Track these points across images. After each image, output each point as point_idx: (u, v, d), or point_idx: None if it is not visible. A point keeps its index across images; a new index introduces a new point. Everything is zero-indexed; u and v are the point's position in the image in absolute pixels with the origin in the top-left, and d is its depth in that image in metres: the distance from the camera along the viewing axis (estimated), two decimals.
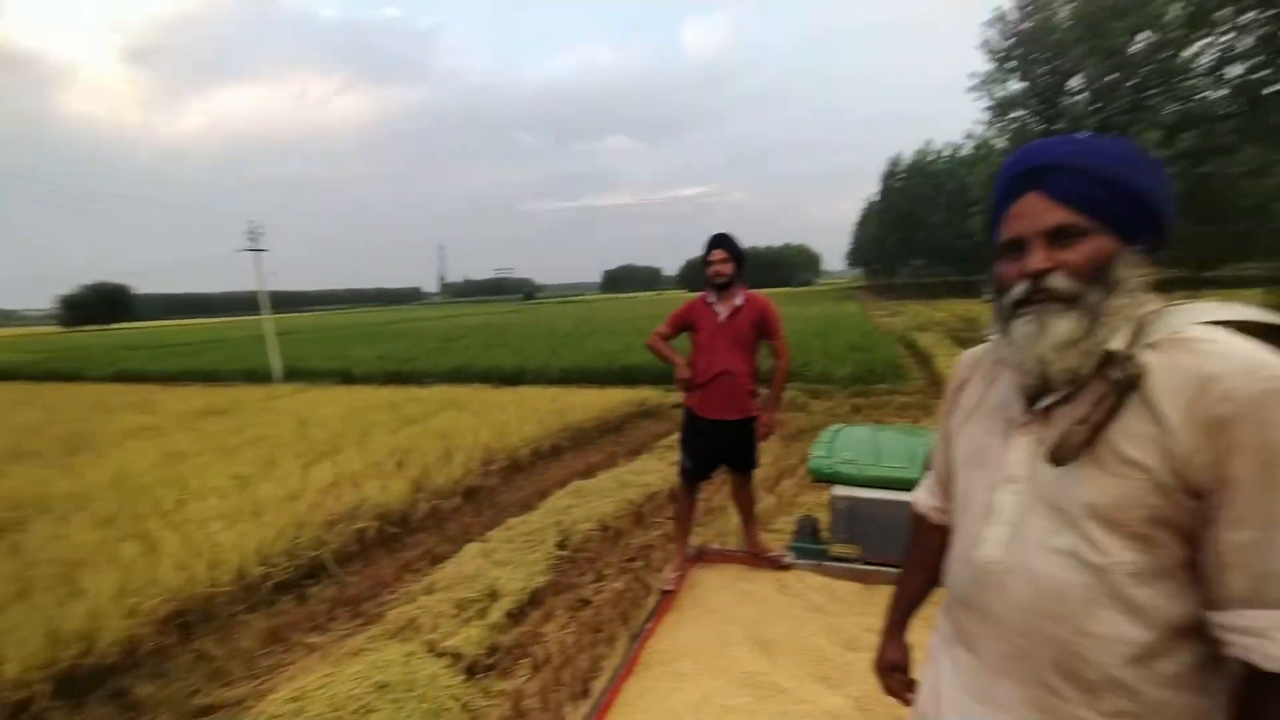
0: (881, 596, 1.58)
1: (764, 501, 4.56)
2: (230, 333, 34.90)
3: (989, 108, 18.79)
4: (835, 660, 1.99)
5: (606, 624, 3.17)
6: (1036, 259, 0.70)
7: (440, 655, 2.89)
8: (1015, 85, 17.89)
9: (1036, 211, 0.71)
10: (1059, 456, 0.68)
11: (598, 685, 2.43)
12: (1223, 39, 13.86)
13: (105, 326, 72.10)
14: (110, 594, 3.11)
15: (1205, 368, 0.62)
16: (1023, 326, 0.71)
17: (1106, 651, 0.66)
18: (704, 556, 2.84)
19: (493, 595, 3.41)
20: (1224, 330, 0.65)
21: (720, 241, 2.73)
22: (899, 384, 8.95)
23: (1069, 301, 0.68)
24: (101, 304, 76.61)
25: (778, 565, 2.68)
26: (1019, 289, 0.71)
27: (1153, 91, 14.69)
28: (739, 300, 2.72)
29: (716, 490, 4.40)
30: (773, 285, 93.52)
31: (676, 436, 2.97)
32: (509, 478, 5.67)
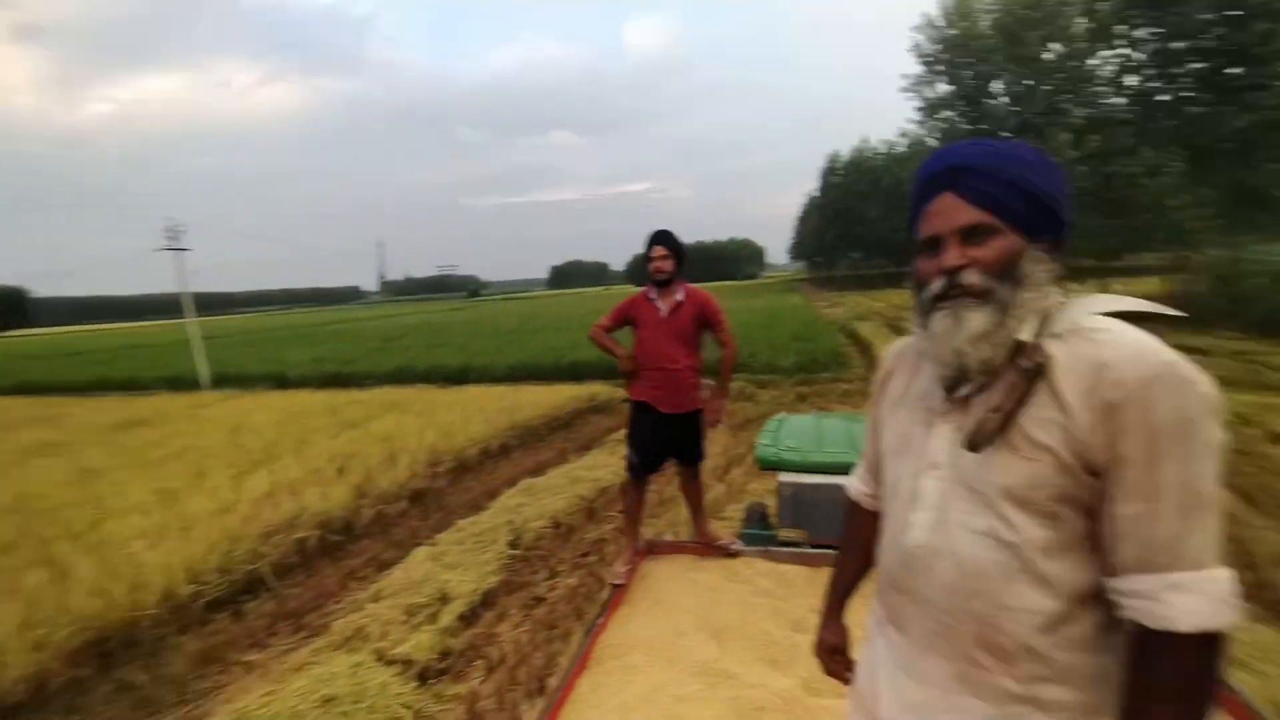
0: (826, 578, 1.63)
1: (714, 490, 4.65)
2: (150, 338, 32.63)
3: (920, 108, 19.75)
4: (783, 643, 2.06)
5: (561, 620, 3.16)
6: (951, 256, 0.74)
7: (390, 663, 2.81)
8: (943, 87, 18.84)
9: (951, 211, 0.75)
10: (975, 443, 0.73)
11: (553, 682, 2.42)
12: (1121, 52, 15.07)
13: None
14: (11, 627, 2.85)
15: (1100, 355, 0.67)
16: (941, 321, 0.75)
17: (1021, 622, 0.71)
18: (654, 549, 2.87)
19: (443, 599, 3.35)
20: (1117, 320, 0.71)
21: (661, 238, 2.75)
22: (841, 372, 9.28)
23: (981, 297, 0.73)
24: None
25: (727, 553, 2.74)
26: (936, 285, 0.76)
27: (1064, 97, 15.78)
28: (680, 296, 2.75)
29: (668, 482, 4.45)
30: (718, 279, 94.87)
31: (626, 432, 3.01)
32: (457, 479, 5.56)
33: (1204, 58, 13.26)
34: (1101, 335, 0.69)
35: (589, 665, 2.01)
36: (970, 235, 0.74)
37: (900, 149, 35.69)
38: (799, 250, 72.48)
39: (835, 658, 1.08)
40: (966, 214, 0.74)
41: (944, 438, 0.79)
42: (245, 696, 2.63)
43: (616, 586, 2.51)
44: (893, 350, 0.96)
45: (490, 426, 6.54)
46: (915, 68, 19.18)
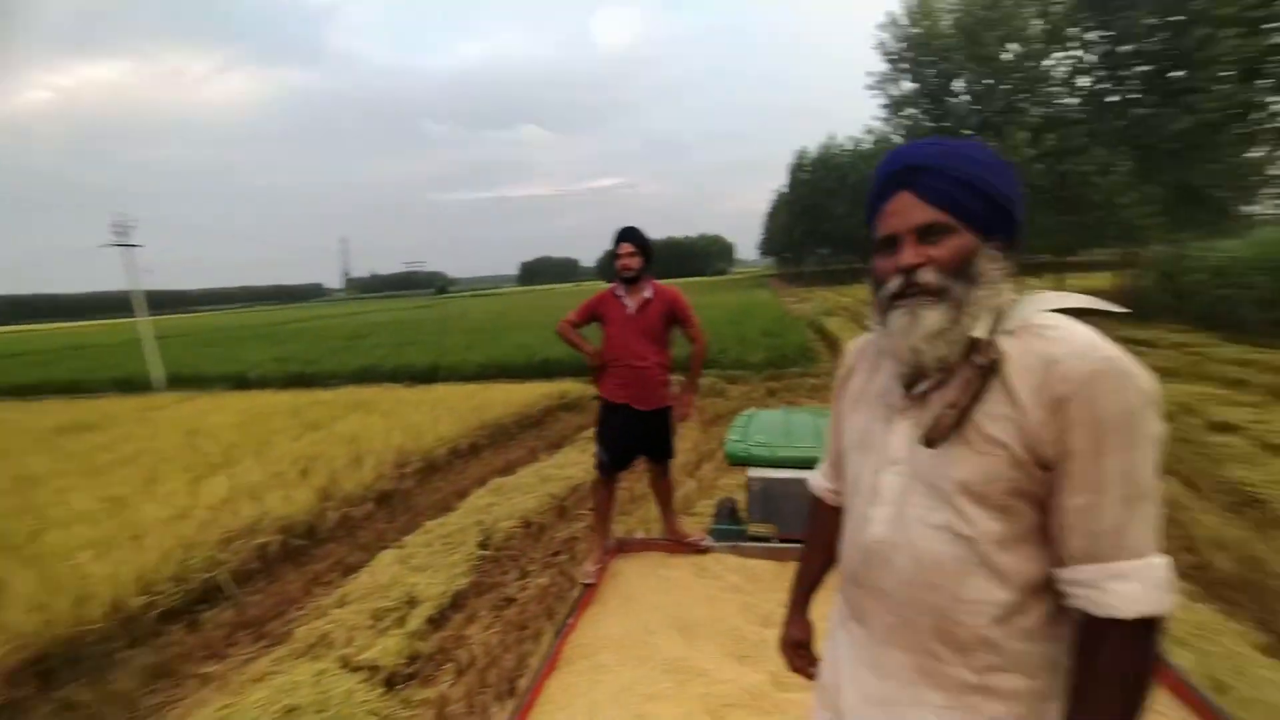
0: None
1: (686, 486, 4.68)
2: (97, 337, 31.20)
3: (885, 105, 20.04)
4: (752, 638, 2.08)
5: (532, 620, 3.14)
6: (908, 255, 0.75)
7: (356, 670, 2.76)
8: (908, 85, 19.17)
9: (908, 210, 0.76)
10: (932, 438, 0.74)
11: (523, 684, 2.40)
12: (1073, 53, 15.62)
13: None
14: None
15: (1049, 351, 0.69)
16: (898, 319, 0.76)
17: (976, 614, 0.73)
18: (624, 547, 2.87)
19: (411, 602, 3.29)
20: (1066, 317, 0.73)
21: (628, 235, 2.73)
22: (810, 367, 9.43)
23: (937, 295, 0.74)
24: None
25: (697, 550, 2.75)
26: (894, 283, 0.77)
27: (1021, 96, 16.26)
28: (647, 293, 2.74)
29: (638, 479, 4.45)
30: (688, 275, 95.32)
31: (595, 430, 3.00)
32: (425, 480, 5.47)
33: (1149, 61, 13.84)
34: (1050, 332, 0.71)
35: (558, 666, 2.00)
36: (926, 234, 0.75)
37: (866, 146, 36.35)
38: (768, 246, 73.28)
39: (800, 653, 1.09)
40: (922, 213, 0.75)
41: (903, 434, 0.79)
42: (201, 710, 2.55)
43: (587, 586, 2.49)
44: (853, 347, 0.97)
45: (460, 425, 6.46)
46: (880, 65, 19.49)
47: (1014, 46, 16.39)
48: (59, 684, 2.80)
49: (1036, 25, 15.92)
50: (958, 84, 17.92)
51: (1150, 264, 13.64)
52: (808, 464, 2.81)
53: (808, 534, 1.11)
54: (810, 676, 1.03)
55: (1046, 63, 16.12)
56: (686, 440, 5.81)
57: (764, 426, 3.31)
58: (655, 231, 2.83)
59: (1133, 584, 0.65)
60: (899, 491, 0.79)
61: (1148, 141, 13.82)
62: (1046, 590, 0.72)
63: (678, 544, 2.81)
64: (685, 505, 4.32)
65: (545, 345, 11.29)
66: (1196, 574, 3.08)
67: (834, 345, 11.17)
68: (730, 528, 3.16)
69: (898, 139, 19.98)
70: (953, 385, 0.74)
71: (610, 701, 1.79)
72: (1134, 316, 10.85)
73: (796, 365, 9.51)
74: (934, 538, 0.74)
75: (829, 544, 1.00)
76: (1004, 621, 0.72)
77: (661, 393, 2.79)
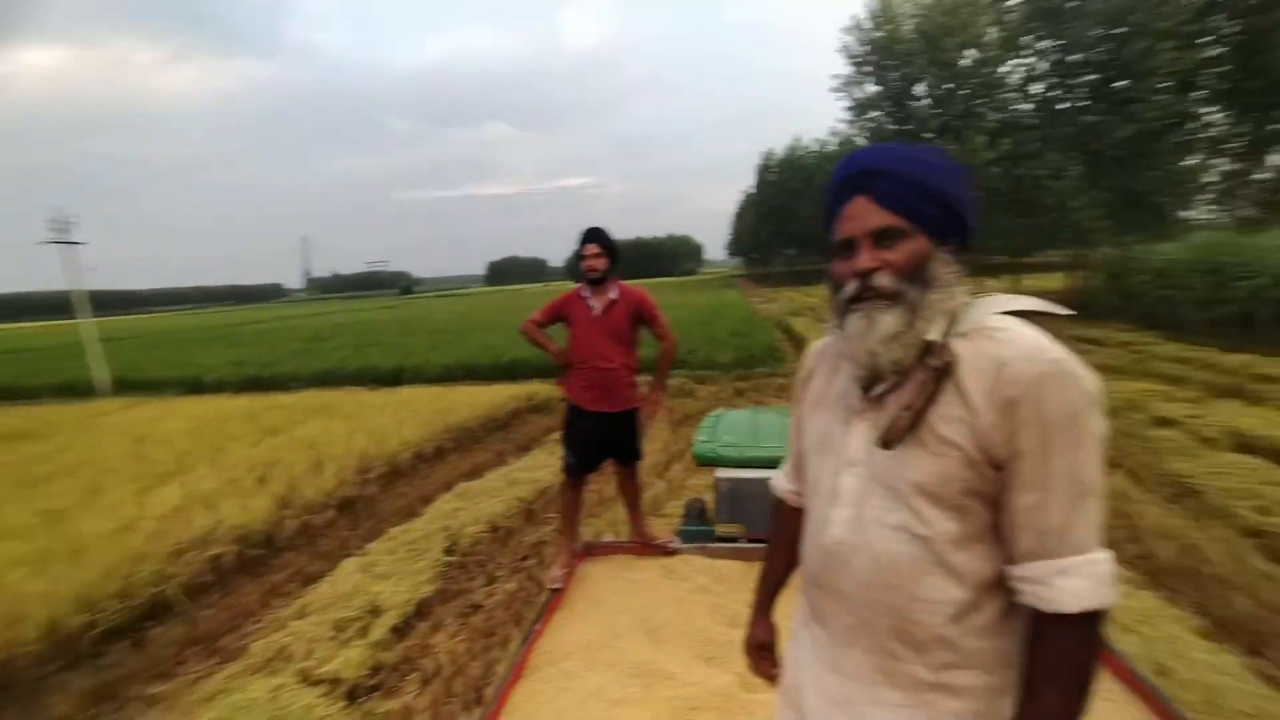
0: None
1: (655, 487, 4.68)
2: (34, 340, 29.59)
3: (849, 108, 20.44)
4: (720, 640, 2.08)
5: (499, 627, 3.10)
6: (864, 259, 0.76)
7: (316, 684, 2.67)
8: (871, 88, 19.60)
9: (864, 214, 0.76)
10: (888, 440, 0.75)
11: (489, 693, 2.36)
12: (1027, 60, 16.25)
13: None
14: None
15: (1000, 354, 0.70)
16: (855, 322, 0.77)
17: (933, 612, 0.74)
18: (592, 550, 2.85)
19: (374, 611, 3.21)
20: (1017, 319, 0.74)
21: (593, 236, 2.71)
22: (777, 367, 9.55)
23: (893, 299, 0.75)
24: None
25: (665, 552, 2.75)
26: (851, 287, 0.77)
27: (979, 101, 16.81)
28: (613, 294, 2.73)
29: (607, 482, 4.43)
30: (656, 275, 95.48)
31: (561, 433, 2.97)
32: (389, 485, 5.34)
33: (1096, 70, 14.49)
34: (1001, 334, 0.72)
35: (525, 673, 1.97)
36: (882, 238, 0.75)
37: (831, 147, 37.00)
38: (736, 247, 73.99)
39: (763, 655, 1.10)
40: (878, 217, 0.75)
41: (861, 435, 0.80)
42: None
43: (554, 591, 2.46)
44: (813, 350, 0.98)
45: (424, 429, 6.33)
46: (845, 68, 19.87)
47: (972, 52, 16.93)
48: None
49: (992, 32, 16.50)
50: (919, 88, 18.40)
51: (1099, 266, 14.27)
52: (775, 464, 2.83)
53: (771, 535, 1.12)
54: (772, 680, 1.03)
55: (1002, 69, 16.71)
56: (656, 441, 5.81)
57: (732, 427, 3.33)
58: (623, 231, 2.80)
59: (1077, 579, 0.67)
60: (857, 493, 0.79)
61: (1095, 148, 14.48)
62: (1000, 588, 0.74)
63: (645, 546, 2.80)
64: (654, 506, 4.32)
65: (512, 346, 11.16)
66: (1140, 563, 3.22)
67: (800, 345, 11.35)
68: (698, 529, 3.17)
69: (862, 141, 20.41)
70: (908, 388, 0.75)
71: (577, 708, 1.77)
72: (1084, 316, 11.34)
73: (764, 365, 9.62)
74: (891, 538, 0.75)
75: (792, 545, 1.00)
76: (960, 620, 0.73)
77: (628, 394, 2.78)
